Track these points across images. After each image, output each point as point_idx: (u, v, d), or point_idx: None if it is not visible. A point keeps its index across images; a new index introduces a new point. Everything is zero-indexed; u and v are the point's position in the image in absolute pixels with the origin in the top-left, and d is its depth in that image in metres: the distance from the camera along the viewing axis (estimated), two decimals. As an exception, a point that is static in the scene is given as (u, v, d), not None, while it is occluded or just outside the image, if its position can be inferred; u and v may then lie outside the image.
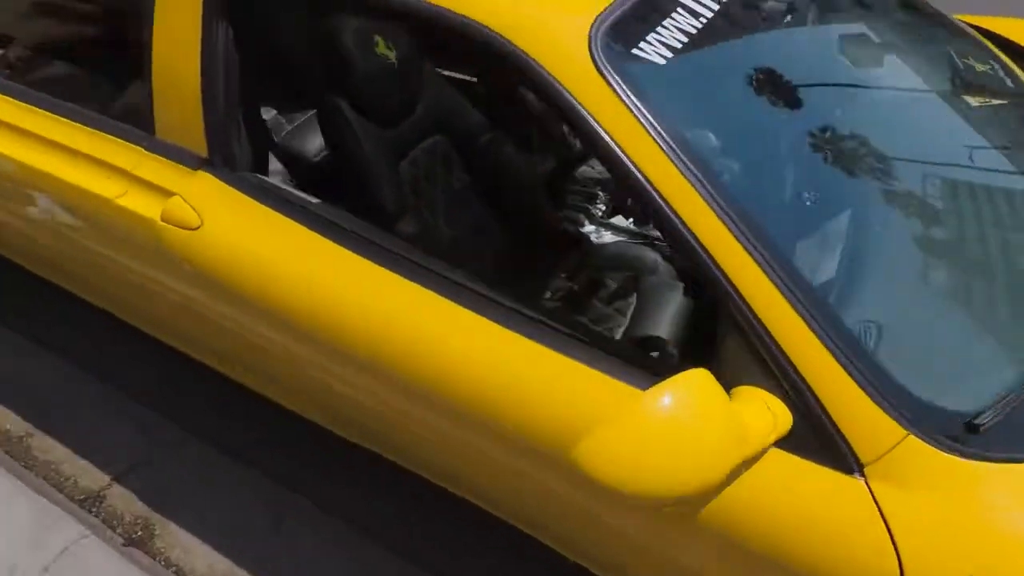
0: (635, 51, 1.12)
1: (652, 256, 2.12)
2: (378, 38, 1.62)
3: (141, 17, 1.48)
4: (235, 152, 1.43)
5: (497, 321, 1.20)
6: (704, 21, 1.20)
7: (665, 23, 1.17)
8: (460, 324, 1.22)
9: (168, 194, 1.47)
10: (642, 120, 1.05)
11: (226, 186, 1.43)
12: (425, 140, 1.86)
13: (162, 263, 1.50)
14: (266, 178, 1.47)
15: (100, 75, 1.65)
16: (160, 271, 1.51)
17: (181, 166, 1.47)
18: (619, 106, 1.06)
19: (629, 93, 1.06)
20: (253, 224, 1.39)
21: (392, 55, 1.66)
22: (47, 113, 1.63)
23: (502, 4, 1.16)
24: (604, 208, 2.24)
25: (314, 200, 1.43)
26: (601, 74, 1.07)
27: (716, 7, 1.23)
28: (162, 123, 1.49)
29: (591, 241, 2.17)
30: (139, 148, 1.53)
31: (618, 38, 1.12)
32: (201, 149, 1.45)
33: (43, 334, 2.29)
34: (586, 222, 2.21)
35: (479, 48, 1.14)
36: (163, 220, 1.44)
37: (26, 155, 1.63)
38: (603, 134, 1.05)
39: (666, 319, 1.88)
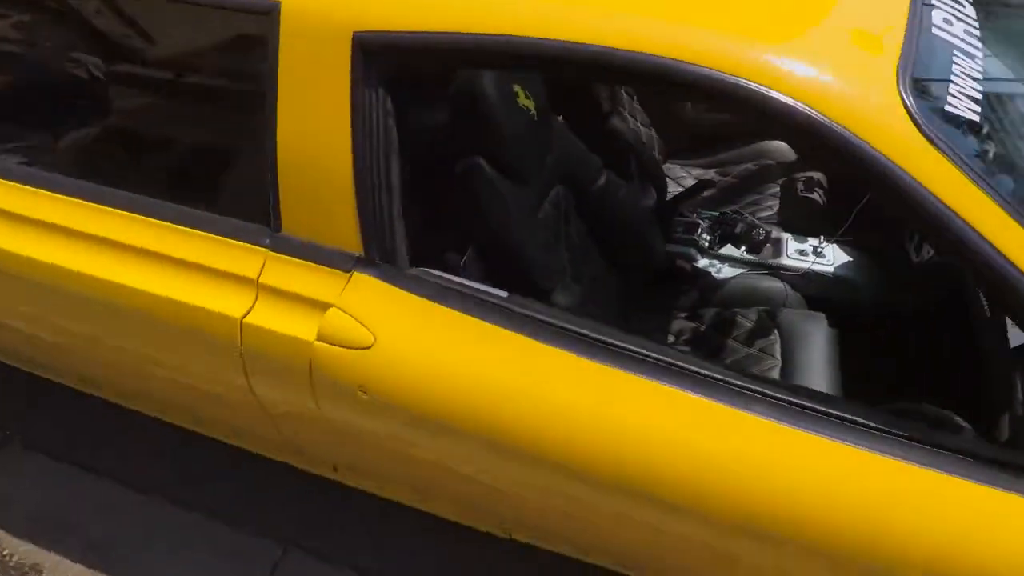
0: (948, 108, 0.96)
1: (780, 286, 1.97)
2: (518, 88, 1.40)
3: (252, 92, 1.20)
4: (397, 245, 1.17)
5: (778, 420, 1.01)
6: (980, 62, 1.05)
7: (954, 69, 1.01)
8: (734, 427, 1.02)
9: (315, 304, 1.19)
10: (997, 200, 0.88)
11: (395, 289, 1.16)
12: (550, 193, 1.65)
13: (305, 386, 1.24)
14: (435, 271, 1.21)
15: (181, 160, 1.34)
16: (305, 396, 1.24)
17: (326, 268, 1.20)
18: (969, 186, 0.88)
19: (970, 164, 0.89)
20: (440, 332, 1.14)
21: (532, 106, 1.43)
22: (120, 211, 1.29)
23: (803, 73, 0.96)
24: (709, 238, 2.10)
25: (500, 292, 1.20)
26: (935, 146, 0.90)
27: (981, 45, 1.08)
28: (292, 217, 1.21)
29: (710, 276, 2.03)
30: (260, 249, 1.23)
31: (925, 94, 0.95)
32: (351, 245, 1.18)
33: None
34: (699, 256, 2.06)
35: (781, 126, 0.94)
36: (321, 340, 1.18)
37: (92, 264, 1.29)
38: (965, 228, 0.86)
39: (822, 356, 1.76)
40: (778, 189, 2.29)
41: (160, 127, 1.35)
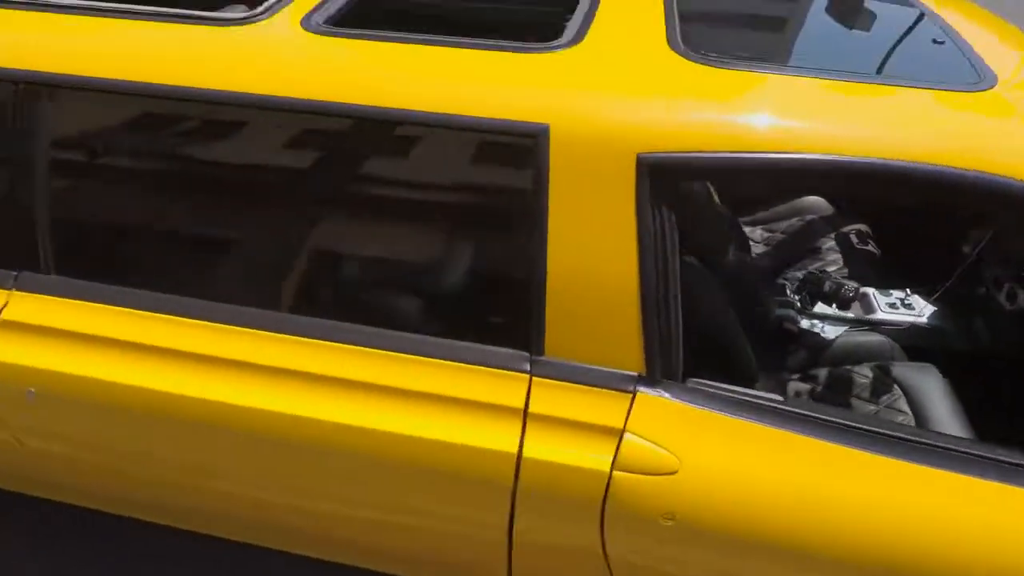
0: None
1: (885, 341, 2.10)
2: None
3: (505, 214, 1.16)
4: (679, 360, 1.15)
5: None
6: None
7: None
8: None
9: (599, 430, 1.13)
10: None
11: (684, 405, 1.14)
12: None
13: (590, 517, 1.15)
14: (705, 381, 1.19)
15: (409, 286, 1.23)
16: (587, 526, 1.16)
17: (604, 390, 1.15)
18: None
19: None
20: (742, 446, 1.12)
21: (718, 199, 1.46)
22: (347, 346, 1.18)
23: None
24: (799, 298, 2.19)
25: (776, 396, 1.19)
26: None
27: None
28: (558, 339, 1.15)
29: (817, 336, 2.12)
30: (520, 375, 1.17)
31: None
32: (630, 364, 1.14)
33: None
34: (799, 317, 2.14)
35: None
36: (620, 469, 1.12)
37: (313, 406, 1.17)
38: None
39: (949, 407, 1.87)
40: (832, 243, 2.45)
41: (375, 249, 1.25)
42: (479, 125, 1.12)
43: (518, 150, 1.13)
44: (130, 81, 1.25)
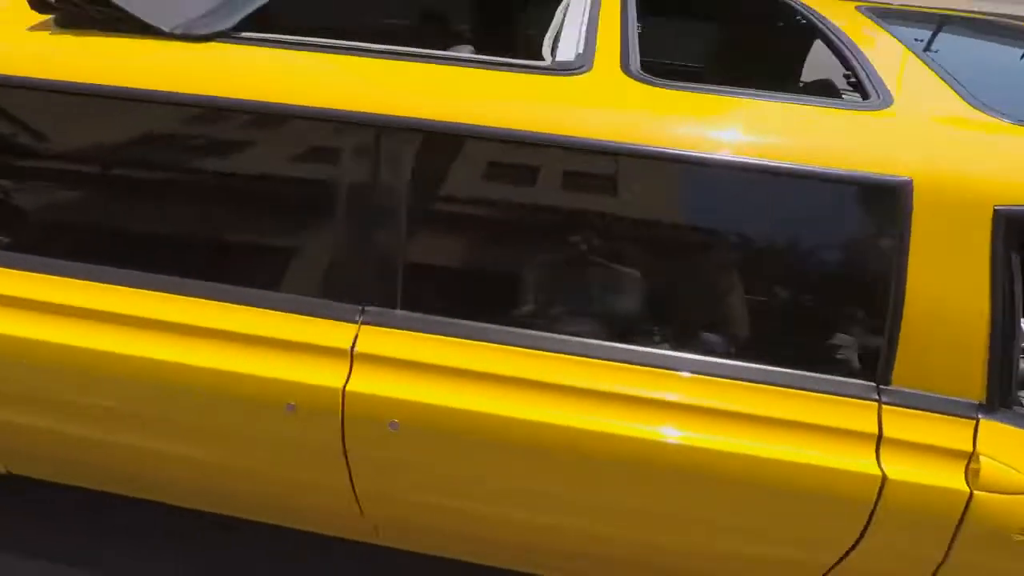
0: None
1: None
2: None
3: (870, 255, 1.28)
4: (1016, 391, 1.28)
5: None
6: None
7: None
8: None
9: (947, 453, 1.25)
10: None
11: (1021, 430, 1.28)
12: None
13: (942, 536, 1.25)
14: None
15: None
16: (935, 545, 1.26)
17: (947, 416, 1.26)
18: None
19: None
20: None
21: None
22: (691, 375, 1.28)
23: None
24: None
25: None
26: None
27: None
28: (907, 370, 1.26)
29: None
30: (869, 402, 1.27)
31: None
32: (970, 393, 1.26)
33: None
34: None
35: None
36: (980, 489, 1.24)
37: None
38: None
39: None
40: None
41: (726, 287, 1.35)
42: (849, 178, 1.26)
43: (883, 200, 1.26)
44: (491, 127, 1.34)
